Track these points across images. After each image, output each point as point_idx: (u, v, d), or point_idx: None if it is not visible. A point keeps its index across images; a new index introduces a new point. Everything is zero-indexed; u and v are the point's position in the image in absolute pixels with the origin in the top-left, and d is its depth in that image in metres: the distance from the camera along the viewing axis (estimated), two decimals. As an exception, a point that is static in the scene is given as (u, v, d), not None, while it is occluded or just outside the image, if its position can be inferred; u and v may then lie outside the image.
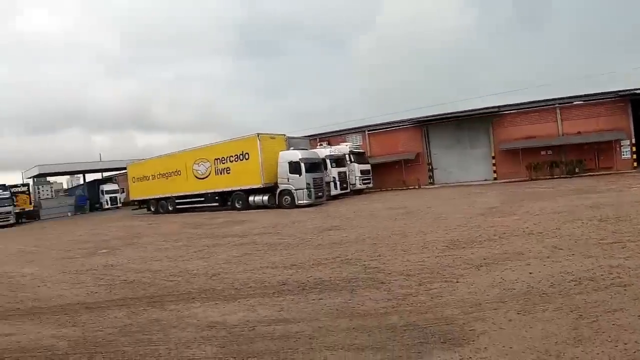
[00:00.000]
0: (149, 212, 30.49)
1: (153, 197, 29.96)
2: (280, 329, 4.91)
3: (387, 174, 31.53)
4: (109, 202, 48.92)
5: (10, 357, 5.00)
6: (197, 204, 26.54)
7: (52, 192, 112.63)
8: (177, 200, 27.74)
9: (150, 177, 30.37)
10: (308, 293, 6.22)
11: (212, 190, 25.17)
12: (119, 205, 48.47)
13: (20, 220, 40.18)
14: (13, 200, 39.56)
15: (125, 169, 41.02)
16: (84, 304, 7.08)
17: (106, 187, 50.98)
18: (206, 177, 25.67)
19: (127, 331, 5.44)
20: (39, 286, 9.15)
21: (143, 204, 31.82)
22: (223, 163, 24.71)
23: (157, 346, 4.80)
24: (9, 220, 37.56)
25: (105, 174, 58.22)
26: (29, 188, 46.12)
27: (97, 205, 50.18)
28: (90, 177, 57.77)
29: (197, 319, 5.63)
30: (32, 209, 43.89)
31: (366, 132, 34.37)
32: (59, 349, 5.12)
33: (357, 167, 28.14)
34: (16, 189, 42.53)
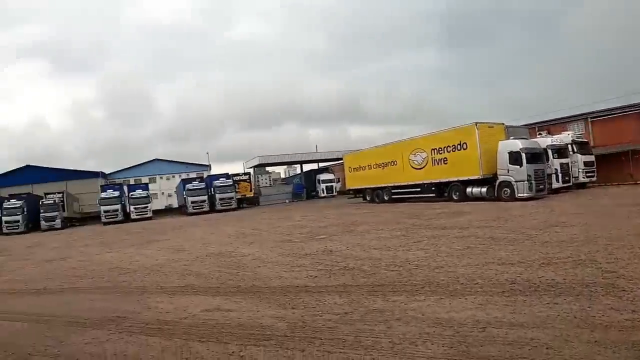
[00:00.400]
0: (364, 201, 33.02)
1: (368, 186, 32.51)
2: (513, 333, 4.67)
3: (611, 166, 28.69)
4: (325, 191, 53.97)
5: (228, 333, 5.44)
6: (412, 194, 27.83)
7: (270, 180, 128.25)
8: (392, 190, 29.66)
9: (367, 167, 33.00)
10: (541, 295, 5.89)
11: (429, 181, 26.13)
12: (334, 194, 53.01)
13: (241, 206, 47.90)
14: (235, 187, 47.06)
15: (339, 159, 45.03)
16: (303, 287, 7.40)
17: (322, 176, 56.39)
18: (423, 167, 26.77)
19: (348, 319, 5.51)
20: (259, 267, 9.88)
21: (358, 193, 34.76)
22: (440, 153, 25.45)
23: (379, 338, 4.77)
24: (231, 205, 44.99)
25: (321, 164, 64.62)
26: (250, 177, 54.06)
27: (314, 193, 56.20)
28: (306, 167, 64.89)
29: (421, 313, 5.56)
30: (252, 195, 51.88)
31: (589, 120, 31.92)
32: (277, 329, 5.37)
33: (580, 159, 26.41)
34: (238, 178, 50.48)
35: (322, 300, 6.55)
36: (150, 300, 7.60)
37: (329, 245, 12.10)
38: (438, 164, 25.69)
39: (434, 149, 25.96)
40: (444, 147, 25.24)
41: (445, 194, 25.24)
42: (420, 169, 27.09)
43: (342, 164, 40.88)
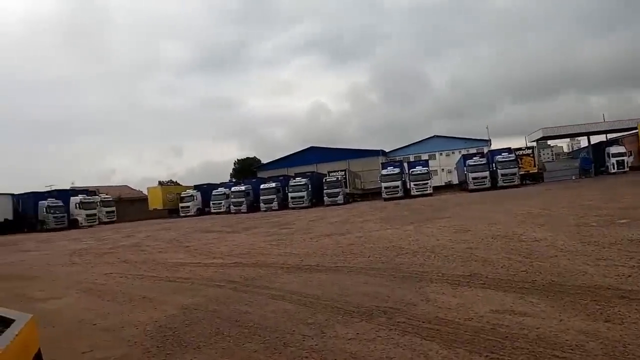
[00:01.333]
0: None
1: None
2: None
3: None
4: (615, 166, 49.01)
5: (524, 349, 4.33)
6: None
7: (552, 155, 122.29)
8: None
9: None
10: None
11: None
12: (626, 169, 48.30)
13: (524, 182, 47.11)
14: (517, 162, 46.10)
15: (630, 129, 41.36)
16: (616, 290, 5.95)
17: (612, 149, 50.92)
18: None
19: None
20: (555, 256, 8.58)
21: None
22: None
23: None
24: (514, 181, 44.14)
25: (609, 136, 59.51)
26: (533, 151, 52.25)
27: (602, 168, 51.81)
28: (594, 139, 60.80)
29: None
30: (535, 171, 50.41)
31: None
32: (589, 353, 4.13)
33: None
34: (521, 152, 49.53)
35: (640, 312, 5.10)
36: (429, 290, 6.88)
37: (635, 232, 10.13)
38: None
39: None
40: None
41: None
42: None
43: (634, 134, 37.75)
